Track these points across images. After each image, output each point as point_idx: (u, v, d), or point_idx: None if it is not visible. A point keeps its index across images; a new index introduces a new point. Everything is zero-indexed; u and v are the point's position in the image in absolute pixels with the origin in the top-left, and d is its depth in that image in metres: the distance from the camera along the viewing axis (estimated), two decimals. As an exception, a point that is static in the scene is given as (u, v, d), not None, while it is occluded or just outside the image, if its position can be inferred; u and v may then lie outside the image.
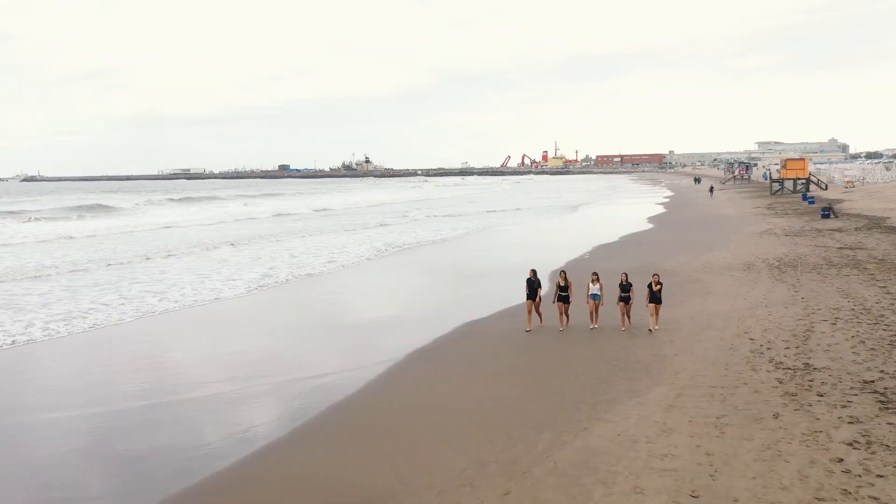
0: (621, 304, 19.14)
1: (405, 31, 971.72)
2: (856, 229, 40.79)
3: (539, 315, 19.81)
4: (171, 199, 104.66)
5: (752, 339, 17.41)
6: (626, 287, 19.15)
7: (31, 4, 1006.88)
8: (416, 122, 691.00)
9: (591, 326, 19.43)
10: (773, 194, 79.26)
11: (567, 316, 19.71)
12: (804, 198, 67.02)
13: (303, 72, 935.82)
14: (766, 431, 11.58)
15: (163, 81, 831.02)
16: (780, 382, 14.02)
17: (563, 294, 19.47)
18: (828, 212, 48.74)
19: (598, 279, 19.40)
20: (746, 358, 15.88)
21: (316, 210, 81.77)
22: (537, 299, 19.48)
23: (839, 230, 40.83)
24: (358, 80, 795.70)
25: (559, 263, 32.53)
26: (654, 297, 18.67)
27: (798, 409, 12.49)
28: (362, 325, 21.94)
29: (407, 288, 28.91)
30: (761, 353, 16.14)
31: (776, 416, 12.26)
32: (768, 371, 14.81)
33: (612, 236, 43.99)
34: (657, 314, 18.92)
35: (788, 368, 14.90)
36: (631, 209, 72.21)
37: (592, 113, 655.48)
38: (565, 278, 19.59)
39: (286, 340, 20.08)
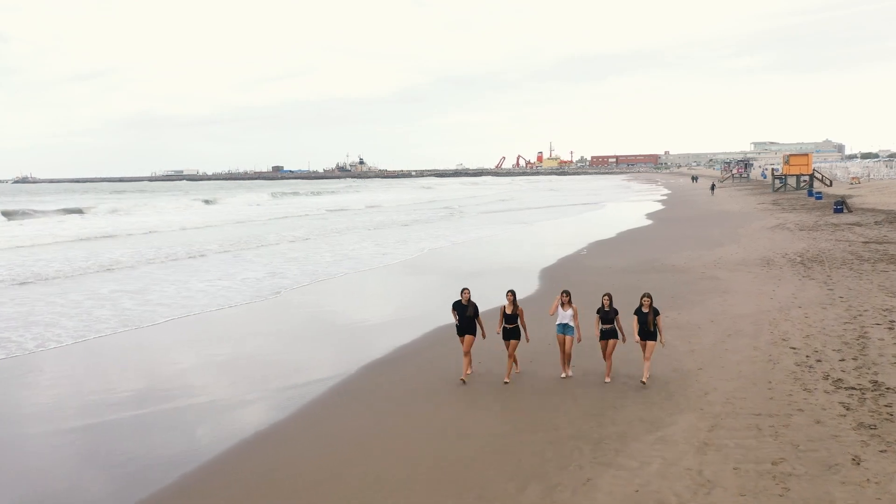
0: (604, 342, 12.70)
1: (401, 32, 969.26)
2: (876, 223, 37.44)
3: (468, 355, 13.20)
4: (204, 200, 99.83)
5: (793, 349, 13.87)
6: (608, 315, 12.60)
7: (27, 6, 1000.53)
8: (412, 123, 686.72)
9: (563, 374, 12.97)
10: (776, 191, 76.03)
11: (515, 361, 13.15)
12: (810, 193, 63.73)
13: (298, 73, 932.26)
14: (851, 487, 8.02)
15: (159, 83, 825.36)
16: (847, 409, 10.46)
17: (509, 327, 12.81)
18: (841, 206, 45.39)
19: (569, 301, 12.76)
20: (793, 373, 12.32)
21: (368, 206, 79.22)
22: (479, 333, 13.13)
23: (858, 224, 37.49)
24: (353, 81, 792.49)
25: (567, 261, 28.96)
26: (646, 330, 12.29)
27: (885, 451, 8.93)
28: (336, 330, 18.29)
29: (418, 285, 25.28)
30: (811, 367, 12.59)
31: (857, 460, 8.70)
32: (826, 392, 11.25)
33: (611, 232, 40.55)
34: (649, 356, 12.40)
35: (853, 388, 11.34)
36: (642, 206, 68.50)
37: (588, 113, 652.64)
38: (513, 301, 12.92)
39: (272, 346, 16.42)
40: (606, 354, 12.70)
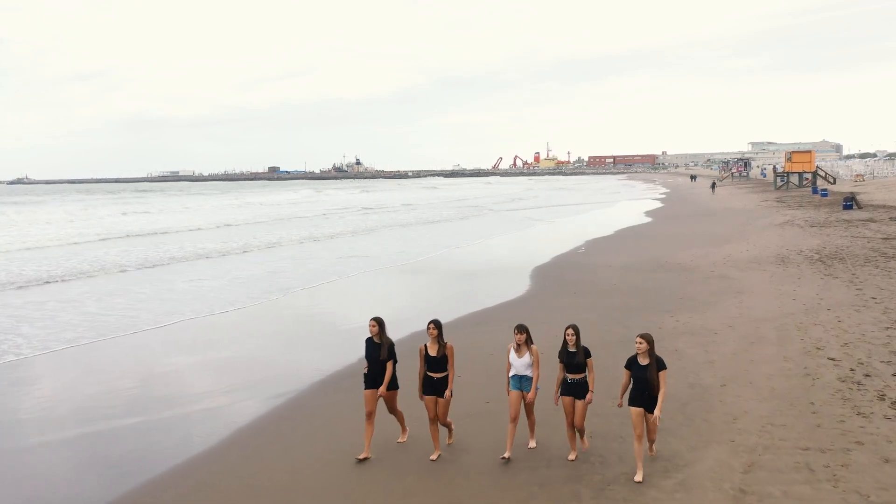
0: (568, 399, 8.22)
1: (400, 32, 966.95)
2: (891, 219, 35.25)
3: (396, 415, 9.10)
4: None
5: (832, 360, 11.58)
6: (575, 360, 8.17)
7: (27, 6, 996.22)
8: (410, 123, 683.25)
9: (504, 455, 8.33)
10: (778, 189, 73.90)
11: (448, 426, 8.89)
12: (814, 191, 61.59)
13: (297, 73, 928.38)
14: (958, 565, 5.74)
15: (158, 83, 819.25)
16: (920, 440, 8.19)
17: (432, 377, 8.57)
18: (850, 202, 43.27)
19: (527, 339, 8.35)
20: (839, 392, 10.04)
21: (404, 204, 77.49)
22: (385, 387, 8.67)
23: (871, 220, 35.30)
24: (351, 82, 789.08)
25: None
26: (641, 394, 7.73)
27: None
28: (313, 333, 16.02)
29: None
30: (859, 384, 10.31)
31: (954, 520, 6.42)
32: (888, 417, 8.97)
33: (609, 230, 38.34)
34: (652, 432, 7.96)
35: (919, 412, 9.07)
36: (642, 203, 66.15)
37: (585, 114, 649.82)
38: (438, 337, 8.53)
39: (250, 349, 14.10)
40: (573, 420, 8.18)
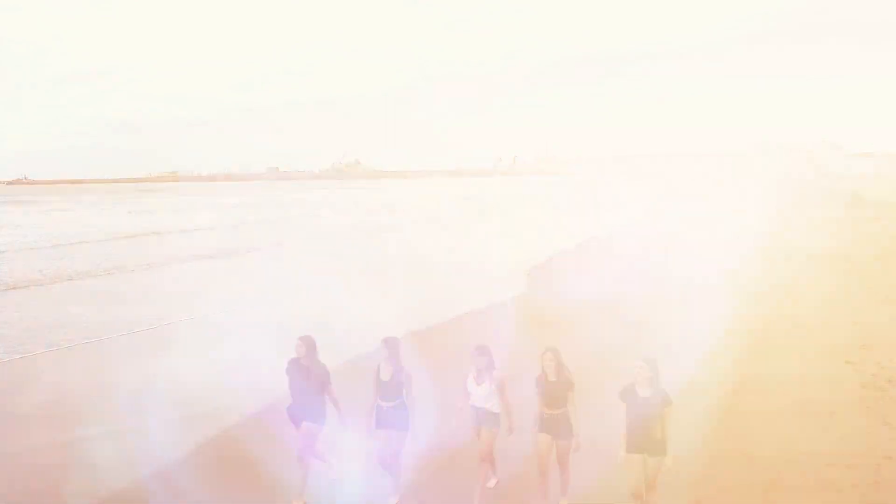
0: (544, 437, 6.61)
1: (399, 32, 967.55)
2: None
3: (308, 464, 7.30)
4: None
5: (850, 363, 10.85)
6: (555, 391, 6.54)
7: (25, 6, 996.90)
8: (407, 123, 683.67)
9: (489, 484, 7.26)
10: (779, 188, 73.45)
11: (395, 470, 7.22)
12: (815, 189, 61.15)
13: (296, 72, 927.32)
14: None
15: (157, 83, 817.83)
16: (956, 455, 7.44)
17: (385, 406, 6.94)
18: (854, 201, 42.83)
19: (489, 365, 6.83)
20: (860, 399, 9.30)
21: (411, 204, 76.62)
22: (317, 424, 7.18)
23: (877, 218, 34.74)
24: (350, 81, 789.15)
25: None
26: (641, 435, 6.07)
27: None
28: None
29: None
30: (882, 391, 9.56)
31: None
32: (917, 427, 8.23)
33: (610, 230, 37.67)
34: (652, 488, 6.16)
35: (952, 422, 8.33)
36: (644, 203, 65.54)
37: (585, 114, 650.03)
38: (391, 359, 6.95)
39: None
40: (546, 465, 6.61)
